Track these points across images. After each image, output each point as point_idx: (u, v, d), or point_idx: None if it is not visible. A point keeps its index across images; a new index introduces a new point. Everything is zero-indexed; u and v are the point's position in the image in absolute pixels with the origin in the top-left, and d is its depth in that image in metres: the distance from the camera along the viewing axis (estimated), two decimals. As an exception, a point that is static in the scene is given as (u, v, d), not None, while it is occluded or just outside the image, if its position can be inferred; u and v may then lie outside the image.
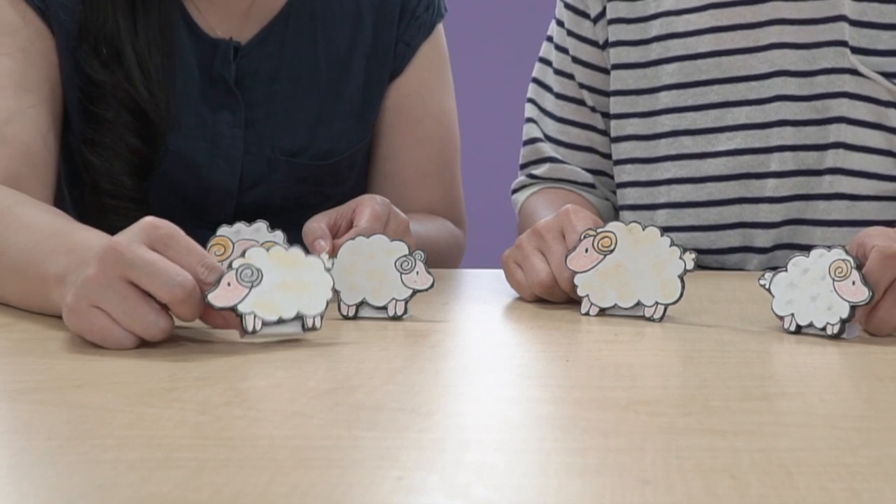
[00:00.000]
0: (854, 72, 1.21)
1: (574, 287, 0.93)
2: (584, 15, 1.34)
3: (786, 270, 0.86)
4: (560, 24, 1.38)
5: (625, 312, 0.92)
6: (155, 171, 1.19)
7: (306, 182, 1.25)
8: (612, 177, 1.34)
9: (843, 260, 0.82)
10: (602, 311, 0.92)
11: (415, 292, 0.90)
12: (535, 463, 0.54)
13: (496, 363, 0.79)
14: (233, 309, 0.77)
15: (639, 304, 0.91)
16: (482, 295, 1.05)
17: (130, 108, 1.16)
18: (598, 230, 0.92)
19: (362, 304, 0.91)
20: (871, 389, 0.69)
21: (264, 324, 0.78)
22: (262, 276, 0.77)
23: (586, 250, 0.92)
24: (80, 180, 1.20)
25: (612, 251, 0.92)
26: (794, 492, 0.49)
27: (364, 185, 1.33)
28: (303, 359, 0.77)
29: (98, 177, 1.16)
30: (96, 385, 0.68)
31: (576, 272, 0.93)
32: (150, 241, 0.77)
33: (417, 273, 0.90)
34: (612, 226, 0.92)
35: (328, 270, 0.80)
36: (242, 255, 0.77)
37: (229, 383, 0.68)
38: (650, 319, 0.90)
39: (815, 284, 0.84)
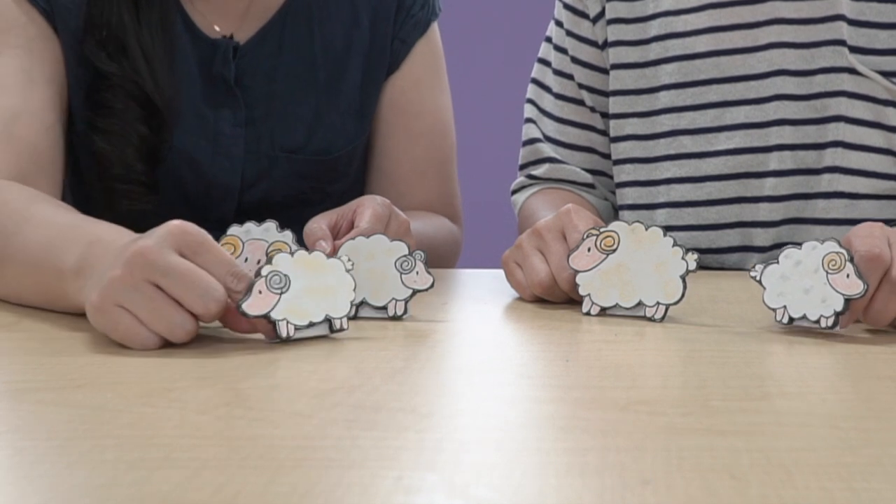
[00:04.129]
0: (852, 71, 1.21)
1: (574, 287, 0.93)
2: (584, 15, 1.34)
3: (777, 262, 0.85)
4: (559, 24, 1.38)
5: (626, 312, 0.92)
6: (163, 159, 1.20)
7: (306, 178, 1.26)
8: (611, 177, 1.34)
9: (837, 253, 0.83)
10: (603, 311, 0.92)
11: (415, 292, 0.90)
12: (535, 463, 0.54)
13: (496, 363, 0.79)
14: (265, 316, 0.78)
15: (640, 303, 0.91)
16: (482, 295, 1.05)
17: (138, 98, 1.17)
18: (601, 230, 0.93)
19: (362, 304, 0.91)
20: (871, 389, 0.69)
21: (296, 329, 0.79)
22: (289, 281, 0.79)
23: (589, 249, 0.92)
24: (81, 170, 1.21)
25: (614, 251, 0.92)
26: (794, 492, 0.49)
27: (363, 182, 1.33)
28: (303, 359, 0.77)
29: (108, 163, 1.18)
30: (96, 385, 0.68)
31: (578, 271, 0.93)
32: (178, 246, 0.77)
33: (417, 273, 0.90)
34: (615, 225, 0.92)
35: (349, 272, 0.82)
36: (270, 261, 0.79)
37: (229, 383, 0.69)
38: (651, 319, 0.90)
39: (808, 277, 0.84)
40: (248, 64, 1.23)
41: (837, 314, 0.82)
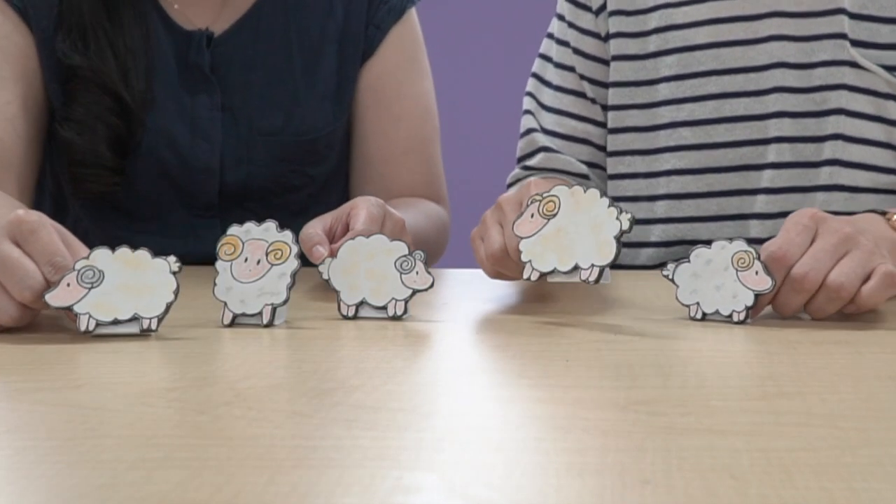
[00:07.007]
0: (854, 64, 1.21)
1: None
2: (586, 8, 1.35)
3: (688, 261, 0.89)
4: (561, 18, 1.38)
5: (563, 278, 0.88)
6: (136, 148, 1.22)
7: (287, 161, 1.29)
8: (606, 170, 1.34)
9: (745, 251, 0.88)
10: (542, 276, 0.89)
11: (415, 292, 0.90)
12: (535, 463, 0.54)
13: (495, 363, 0.79)
14: (69, 308, 0.80)
15: (577, 267, 0.88)
16: (482, 295, 1.05)
17: (108, 90, 1.20)
18: (544, 195, 0.90)
19: (362, 304, 0.91)
20: (870, 389, 0.69)
21: (98, 324, 0.80)
22: (103, 277, 0.80)
23: (532, 216, 0.90)
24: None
25: (555, 215, 0.90)
26: (794, 492, 0.49)
27: (345, 167, 1.35)
28: (303, 359, 0.77)
29: (76, 153, 1.20)
30: (96, 385, 0.68)
31: (521, 238, 0.91)
32: (13, 234, 0.81)
33: (417, 273, 0.90)
34: (557, 189, 0.90)
35: (174, 273, 0.82)
36: (87, 256, 0.81)
37: (229, 383, 0.69)
38: (586, 282, 0.87)
39: (719, 274, 0.88)
40: (224, 53, 1.26)
41: (748, 308, 0.87)
